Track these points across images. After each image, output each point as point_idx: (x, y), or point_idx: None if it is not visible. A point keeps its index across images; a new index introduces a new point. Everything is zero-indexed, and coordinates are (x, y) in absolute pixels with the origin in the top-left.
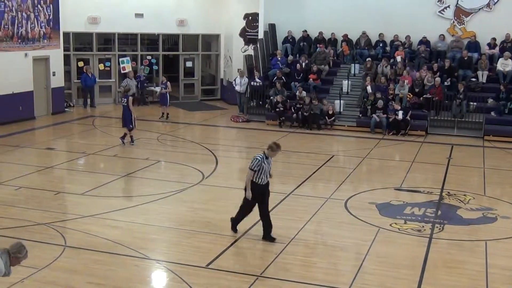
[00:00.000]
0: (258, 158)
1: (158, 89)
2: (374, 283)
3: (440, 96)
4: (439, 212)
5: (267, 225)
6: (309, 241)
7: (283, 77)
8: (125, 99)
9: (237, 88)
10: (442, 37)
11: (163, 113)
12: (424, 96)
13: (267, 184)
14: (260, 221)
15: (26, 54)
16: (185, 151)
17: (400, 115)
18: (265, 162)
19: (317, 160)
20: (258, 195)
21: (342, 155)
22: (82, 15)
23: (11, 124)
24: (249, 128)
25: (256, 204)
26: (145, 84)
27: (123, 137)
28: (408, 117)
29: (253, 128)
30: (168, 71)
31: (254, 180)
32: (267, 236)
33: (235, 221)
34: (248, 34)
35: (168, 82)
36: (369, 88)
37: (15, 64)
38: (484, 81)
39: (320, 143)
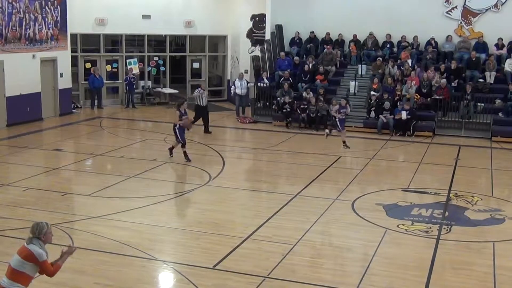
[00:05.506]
0: None
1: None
2: (381, 284)
3: (447, 96)
4: (447, 213)
5: None
6: (316, 242)
7: (290, 78)
8: None
9: (238, 90)
10: (449, 38)
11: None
12: (432, 97)
13: None
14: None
15: (33, 56)
16: (192, 152)
17: (404, 115)
18: None
19: (324, 161)
20: None
21: (349, 156)
22: (90, 17)
23: (19, 125)
24: (256, 129)
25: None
26: (134, 86)
27: None
28: (409, 116)
29: (260, 129)
30: (175, 72)
31: None
32: None
33: None
34: (255, 35)
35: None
36: (373, 92)
37: (23, 66)
38: (492, 81)
39: (327, 144)
